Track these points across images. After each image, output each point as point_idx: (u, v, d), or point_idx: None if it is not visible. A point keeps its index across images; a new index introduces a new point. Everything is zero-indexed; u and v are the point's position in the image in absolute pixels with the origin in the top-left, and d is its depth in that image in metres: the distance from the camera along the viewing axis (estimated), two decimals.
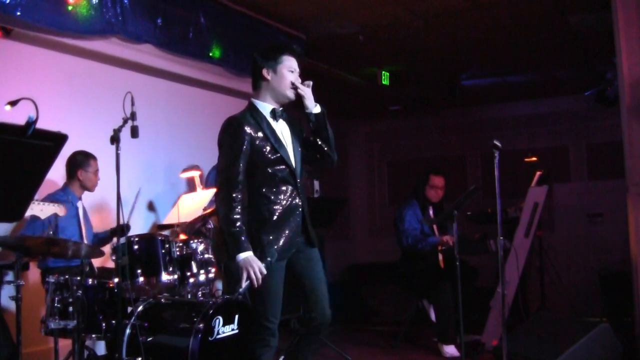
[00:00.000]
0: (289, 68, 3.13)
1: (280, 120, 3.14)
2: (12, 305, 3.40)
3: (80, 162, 4.37)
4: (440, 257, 5.50)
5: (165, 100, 5.73)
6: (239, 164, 3.00)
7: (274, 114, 3.13)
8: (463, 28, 6.42)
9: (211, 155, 5.80)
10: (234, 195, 2.98)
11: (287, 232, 3.07)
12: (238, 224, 2.95)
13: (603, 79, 6.77)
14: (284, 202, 3.08)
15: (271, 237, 3.03)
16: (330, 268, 8.22)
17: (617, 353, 4.28)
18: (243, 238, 2.95)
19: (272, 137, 3.06)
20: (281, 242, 3.05)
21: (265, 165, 3.05)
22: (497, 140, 3.92)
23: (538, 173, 5.60)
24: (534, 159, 8.49)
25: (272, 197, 3.07)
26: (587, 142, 9.29)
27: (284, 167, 3.08)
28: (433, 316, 5.54)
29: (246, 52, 5.97)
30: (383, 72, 7.70)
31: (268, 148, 3.05)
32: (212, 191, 5.03)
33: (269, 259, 2.97)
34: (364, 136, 10.96)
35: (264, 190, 3.07)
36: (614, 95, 5.64)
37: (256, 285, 2.93)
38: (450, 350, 5.20)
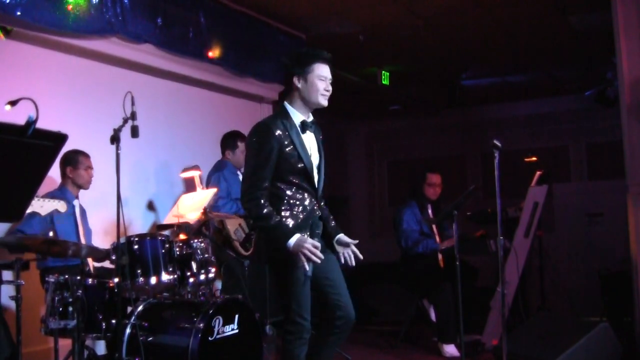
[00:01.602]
0: (320, 77, 3.13)
1: (308, 132, 3.15)
2: (12, 305, 3.40)
3: (69, 159, 4.34)
4: (440, 256, 5.51)
5: (165, 100, 5.73)
6: (267, 169, 3.02)
7: (303, 125, 3.13)
8: (463, 28, 6.42)
9: (211, 155, 5.84)
10: (259, 195, 2.99)
11: (308, 236, 3.08)
12: (273, 215, 2.98)
13: (603, 79, 6.77)
14: (303, 208, 3.10)
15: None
16: None
17: (617, 353, 4.28)
18: (284, 226, 2.98)
19: (299, 146, 3.07)
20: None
21: (289, 172, 3.07)
22: (497, 140, 3.92)
23: (538, 173, 5.59)
24: (534, 158, 8.49)
25: (293, 202, 3.08)
26: (587, 142, 9.30)
27: (306, 177, 3.10)
28: (433, 316, 5.53)
29: (246, 51, 5.98)
30: (383, 72, 7.70)
31: (295, 156, 3.06)
32: (212, 191, 5.03)
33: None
34: (364, 136, 10.96)
35: (286, 195, 3.09)
36: (614, 95, 5.64)
37: (319, 261, 2.94)
38: (450, 349, 5.20)
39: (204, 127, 6.11)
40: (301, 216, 3.08)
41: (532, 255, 5.79)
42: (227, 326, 3.84)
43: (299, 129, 3.11)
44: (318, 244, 2.97)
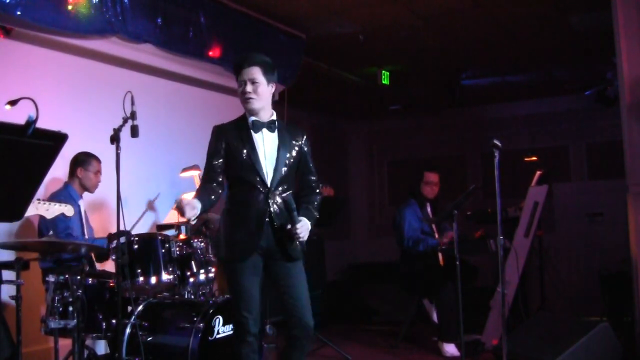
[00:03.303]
0: (240, 83, 3.25)
1: (265, 131, 3.25)
2: (12, 305, 3.40)
3: (82, 160, 4.38)
4: (440, 256, 5.50)
5: (165, 99, 5.73)
6: (216, 165, 3.22)
7: (253, 125, 3.25)
8: (463, 28, 6.42)
9: None
10: (205, 185, 3.20)
11: (247, 234, 3.15)
12: (199, 194, 3.13)
13: (603, 78, 6.77)
14: (251, 206, 3.17)
15: (233, 236, 3.17)
16: (330, 268, 8.21)
17: (617, 353, 4.28)
18: (195, 195, 3.13)
19: (248, 145, 3.20)
20: (240, 243, 3.15)
21: (238, 169, 3.21)
22: (497, 140, 3.92)
23: (538, 172, 5.59)
24: (534, 158, 8.48)
25: (240, 199, 3.21)
26: (587, 142, 9.29)
27: (254, 174, 3.18)
28: (434, 316, 5.53)
29: (246, 51, 5.96)
30: (383, 71, 7.70)
31: (242, 154, 3.19)
32: None
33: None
34: (364, 136, 10.95)
35: (234, 191, 3.25)
36: (614, 95, 5.63)
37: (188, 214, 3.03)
38: (451, 349, 5.20)
39: (204, 127, 6.05)
40: (242, 215, 3.17)
41: (532, 255, 5.79)
42: (227, 326, 3.84)
43: (250, 127, 3.24)
44: (190, 202, 3.00)
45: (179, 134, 5.86)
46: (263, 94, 3.22)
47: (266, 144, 3.23)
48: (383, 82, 7.74)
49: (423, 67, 7.82)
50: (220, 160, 3.22)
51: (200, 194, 3.12)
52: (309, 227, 3.17)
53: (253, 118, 3.25)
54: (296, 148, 3.30)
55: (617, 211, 5.50)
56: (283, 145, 3.26)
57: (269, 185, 3.17)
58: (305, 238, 3.14)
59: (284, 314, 3.18)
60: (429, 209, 5.72)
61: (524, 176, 5.96)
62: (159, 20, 5.08)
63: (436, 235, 5.63)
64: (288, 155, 3.26)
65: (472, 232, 5.72)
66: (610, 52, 5.07)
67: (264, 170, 3.18)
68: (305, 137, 3.36)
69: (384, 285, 7.70)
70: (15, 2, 3.97)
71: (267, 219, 3.16)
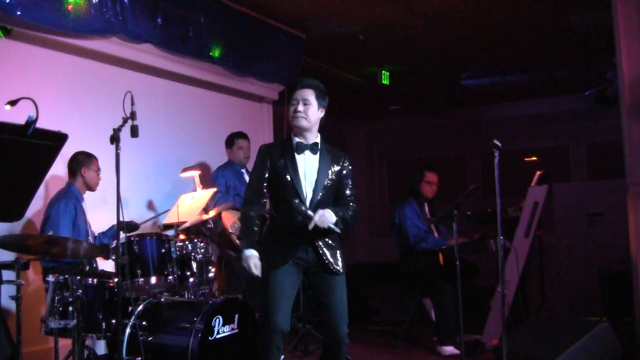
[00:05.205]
0: (291, 102, 3.37)
1: (307, 153, 3.36)
2: (12, 305, 3.40)
3: (83, 160, 4.42)
4: (440, 255, 5.49)
5: (165, 99, 5.73)
6: (261, 184, 3.37)
7: (297, 147, 3.36)
8: (463, 28, 6.42)
9: (211, 155, 5.84)
10: (251, 212, 3.33)
11: (285, 248, 3.30)
12: (246, 225, 3.31)
13: (603, 79, 6.78)
14: (290, 224, 3.30)
15: (272, 249, 3.31)
16: None
17: (617, 353, 4.28)
18: (247, 240, 3.28)
19: (290, 165, 3.32)
20: (279, 255, 3.29)
21: (279, 188, 3.33)
22: (497, 140, 3.92)
23: (538, 172, 5.59)
24: (534, 158, 8.49)
25: (281, 217, 3.35)
26: (587, 142, 9.30)
27: (294, 194, 3.29)
28: (434, 315, 5.53)
29: (246, 51, 5.97)
30: (383, 71, 7.71)
31: (284, 174, 3.31)
32: (211, 191, 5.03)
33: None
34: (364, 136, 10.96)
35: (277, 209, 3.39)
36: (614, 95, 5.64)
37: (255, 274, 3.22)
38: (449, 349, 5.19)
39: (204, 127, 6.10)
40: (283, 231, 3.33)
41: (532, 255, 5.79)
42: (227, 326, 3.84)
43: (295, 151, 3.36)
44: (258, 264, 3.21)
45: (178, 134, 5.86)
46: (312, 115, 3.33)
47: (307, 166, 3.35)
48: (383, 82, 7.74)
49: (423, 67, 7.82)
50: (265, 184, 3.37)
51: (249, 234, 3.29)
52: (330, 215, 3.24)
53: (297, 139, 3.36)
54: (336, 171, 3.40)
55: (617, 211, 5.49)
56: (323, 168, 3.37)
57: (307, 205, 3.28)
58: (324, 224, 3.21)
59: (321, 323, 3.36)
60: (426, 209, 5.72)
61: (524, 176, 5.95)
62: (159, 20, 5.08)
63: (435, 234, 5.63)
64: (327, 178, 3.36)
65: (472, 232, 5.71)
66: (610, 52, 5.07)
67: (304, 192, 3.30)
68: (347, 161, 3.46)
69: (384, 285, 7.70)
70: (15, 2, 3.97)
71: (305, 237, 3.27)
